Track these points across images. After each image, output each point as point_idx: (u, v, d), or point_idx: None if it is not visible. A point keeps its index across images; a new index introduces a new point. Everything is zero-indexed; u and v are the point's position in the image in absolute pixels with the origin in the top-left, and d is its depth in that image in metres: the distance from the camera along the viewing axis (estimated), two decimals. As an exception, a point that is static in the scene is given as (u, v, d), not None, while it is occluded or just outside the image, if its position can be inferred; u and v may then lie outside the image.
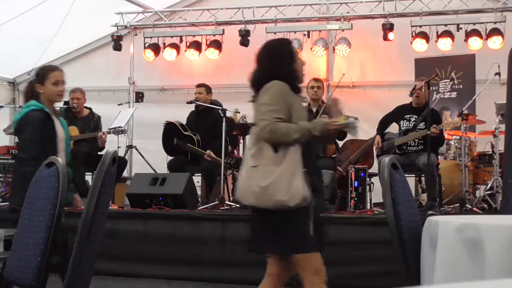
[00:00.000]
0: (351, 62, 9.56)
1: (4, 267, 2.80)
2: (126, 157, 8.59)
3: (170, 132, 7.47)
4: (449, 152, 7.63)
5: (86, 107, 7.61)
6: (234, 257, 6.04)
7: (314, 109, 7.01)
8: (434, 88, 8.56)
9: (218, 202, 6.83)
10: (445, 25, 8.70)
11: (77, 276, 2.64)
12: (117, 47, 9.75)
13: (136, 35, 10.09)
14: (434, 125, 6.43)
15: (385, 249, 5.24)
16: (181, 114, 7.84)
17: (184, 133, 7.42)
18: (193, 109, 7.66)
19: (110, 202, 5.15)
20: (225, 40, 9.53)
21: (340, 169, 6.92)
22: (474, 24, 8.61)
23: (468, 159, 6.87)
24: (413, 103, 6.91)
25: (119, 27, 9.92)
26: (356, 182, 6.50)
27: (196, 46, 9.61)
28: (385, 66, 9.52)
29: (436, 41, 8.68)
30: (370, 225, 5.71)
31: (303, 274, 3.34)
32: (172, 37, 9.79)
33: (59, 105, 7.98)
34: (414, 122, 6.81)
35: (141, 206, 6.74)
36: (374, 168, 6.62)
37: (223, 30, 9.50)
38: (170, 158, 7.58)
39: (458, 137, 7.24)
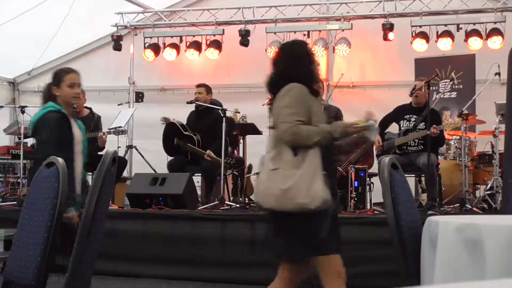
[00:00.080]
0: (351, 62, 9.56)
1: (4, 267, 2.80)
2: (126, 157, 8.59)
3: (171, 132, 7.47)
4: (449, 152, 7.63)
5: (86, 107, 7.60)
6: (234, 257, 6.04)
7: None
8: (434, 88, 8.56)
9: (218, 202, 6.83)
10: (445, 25, 8.70)
11: (77, 276, 2.64)
12: (117, 47, 9.75)
13: (136, 35, 10.09)
14: (434, 125, 6.42)
15: (385, 249, 5.24)
16: (181, 114, 7.84)
17: (185, 133, 7.42)
18: (193, 109, 7.66)
19: (110, 202, 5.15)
20: (225, 40, 9.53)
21: (340, 169, 6.92)
22: (474, 24, 8.61)
23: (468, 159, 6.87)
24: (413, 103, 6.91)
25: (119, 27, 9.92)
26: (356, 182, 6.50)
27: (196, 46, 9.61)
28: (385, 66, 9.52)
29: (436, 41, 8.68)
30: (370, 225, 5.72)
31: (324, 276, 3.31)
32: (172, 37, 9.79)
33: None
34: (414, 122, 6.81)
35: (141, 206, 6.75)
36: (374, 168, 6.61)
37: (223, 30, 9.50)
38: (170, 158, 7.58)
39: (458, 137, 7.24)
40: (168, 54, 9.73)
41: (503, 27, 8.46)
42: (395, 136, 6.93)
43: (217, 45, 9.53)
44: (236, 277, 5.95)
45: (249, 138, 8.46)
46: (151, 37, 9.78)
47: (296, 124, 3.24)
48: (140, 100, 9.76)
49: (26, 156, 8.00)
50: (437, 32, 8.70)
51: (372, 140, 4.14)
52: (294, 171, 3.21)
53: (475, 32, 8.54)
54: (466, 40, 8.57)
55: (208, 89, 7.60)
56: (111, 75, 10.32)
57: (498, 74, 7.14)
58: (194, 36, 9.71)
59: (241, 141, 8.33)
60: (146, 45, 9.71)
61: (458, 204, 6.69)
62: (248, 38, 9.31)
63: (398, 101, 7.25)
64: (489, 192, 6.82)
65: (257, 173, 8.40)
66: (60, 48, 10.13)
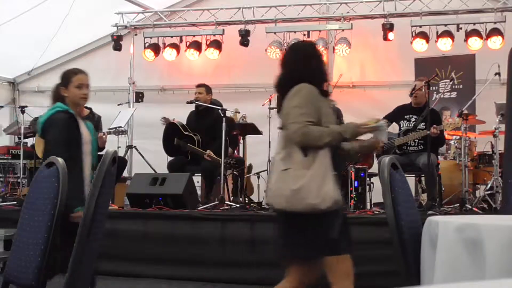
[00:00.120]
0: (351, 62, 9.56)
1: (4, 267, 2.80)
2: (126, 157, 8.59)
3: (171, 132, 7.47)
4: (449, 152, 7.63)
5: (86, 107, 7.57)
6: (234, 257, 6.04)
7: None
8: (434, 88, 8.56)
9: (218, 202, 6.83)
10: (445, 25, 8.70)
11: (77, 276, 2.64)
12: (117, 47, 9.75)
13: (136, 35, 10.09)
14: (435, 126, 6.42)
15: (385, 249, 5.24)
16: (181, 114, 7.84)
17: (185, 133, 7.42)
18: (193, 109, 7.66)
19: (110, 202, 5.14)
20: (225, 40, 9.53)
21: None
22: (474, 24, 8.61)
23: (468, 159, 6.87)
24: (413, 103, 6.91)
25: (119, 27, 9.92)
26: (356, 182, 6.50)
27: (196, 46, 9.61)
28: (385, 66, 9.52)
29: (436, 41, 8.68)
30: (370, 225, 5.71)
31: (332, 277, 3.29)
32: (172, 37, 9.79)
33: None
34: (414, 123, 6.81)
35: (141, 206, 6.75)
36: (374, 168, 6.62)
37: (223, 30, 9.50)
38: (170, 158, 7.58)
39: (458, 137, 7.24)
40: (168, 54, 9.72)
41: (503, 27, 8.46)
42: (395, 136, 6.93)
43: (217, 45, 9.53)
44: (236, 277, 5.94)
45: (249, 138, 8.47)
46: (151, 37, 9.78)
47: (307, 125, 3.23)
48: (140, 100, 9.76)
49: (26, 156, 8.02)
50: (437, 32, 8.70)
51: (383, 141, 4.14)
52: (304, 172, 3.20)
53: (475, 32, 8.54)
54: (466, 40, 8.57)
55: (208, 89, 7.60)
56: (111, 75, 10.31)
57: (498, 74, 7.14)
58: (194, 36, 9.71)
59: (241, 141, 8.33)
60: (146, 45, 9.71)
61: (458, 204, 6.69)
62: (248, 38, 9.31)
63: (398, 101, 7.26)
64: (489, 192, 6.82)
65: (257, 173, 8.46)
66: (60, 48, 10.13)
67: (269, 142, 7.67)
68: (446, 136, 7.16)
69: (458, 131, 6.96)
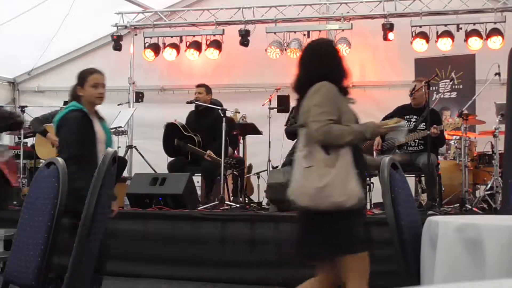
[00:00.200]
0: (351, 62, 9.48)
1: (4, 267, 2.81)
2: (126, 157, 8.59)
3: (171, 133, 7.47)
4: (449, 152, 7.63)
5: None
6: (234, 257, 6.04)
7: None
8: (434, 88, 8.56)
9: (218, 202, 6.83)
10: (445, 25, 8.70)
11: (77, 276, 2.64)
12: (117, 47, 9.76)
13: (136, 35, 10.09)
14: (435, 126, 6.42)
15: (385, 249, 5.23)
16: (181, 114, 7.84)
17: (185, 133, 7.41)
18: (193, 109, 7.66)
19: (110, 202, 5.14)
20: (225, 40, 9.53)
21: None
22: (474, 24, 8.61)
23: (468, 159, 6.87)
24: (412, 104, 6.91)
25: (119, 27, 9.92)
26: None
27: (196, 46, 9.61)
28: (385, 66, 9.51)
29: (436, 41, 8.68)
30: (370, 225, 5.71)
31: (349, 275, 3.29)
32: (172, 37, 9.79)
33: (59, 105, 8.03)
34: (414, 123, 6.81)
35: (141, 206, 6.75)
36: (374, 168, 6.61)
37: (223, 30, 9.50)
38: (170, 158, 7.58)
39: (458, 137, 7.24)
40: (168, 54, 9.72)
41: (503, 27, 8.46)
42: (395, 137, 6.93)
43: (217, 45, 9.53)
44: (236, 277, 5.95)
45: (249, 138, 8.47)
46: (151, 37, 9.78)
47: (328, 123, 3.23)
48: (140, 100, 9.75)
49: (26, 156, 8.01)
50: (437, 32, 8.70)
51: (401, 141, 4.15)
52: (328, 170, 3.19)
53: (475, 32, 8.54)
54: (466, 40, 8.57)
55: (208, 89, 7.60)
56: (111, 75, 10.25)
57: (498, 74, 7.14)
58: (194, 36, 9.71)
59: (241, 141, 8.33)
60: (146, 45, 9.71)
61: (458, 204, 6.69)
62: (248, 38, 9.30)
63: (398, 101, 7.25)
64: (489, 192, 6.82)
65: (257, 173, 8.45)
66: (60, 48, 10.13)
67: (269, 142, 7.67)
68: (446, 136, 7.15)
69: (458, 131, 6.96)
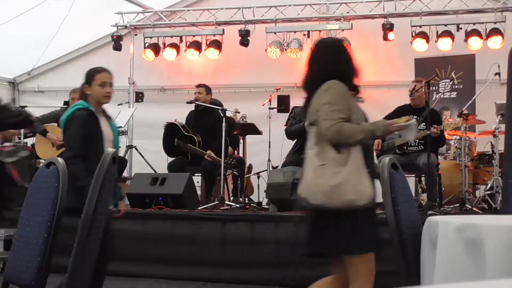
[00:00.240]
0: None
1: (4, 267, 2.81)
2: (126, 157, 8.59)
3: (171, 133, 7.46)
4: (449, 152, 7.63)
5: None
6: (234, 257, 6.04)
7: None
8: (434, 88, 8.56)
9: (218, 202, 6.83)
10: (445, 25, 8.71)
11: (77, 276, 2.64)
12: (117, 47, 9.76)
13: (136, 35, 10.09)
14: (435, 125, 6.43)
15: (385, 249, 5.23)
16: (181, 114, 7.84)
17: (185, 133, 7.41)
18: (193, 109, 7.66)
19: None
20: (225, 40, 9.53)
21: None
22: (474, 24, 8.61)
23: (468, 159, 6.87)
24: (412, 104, 6.91)
25: (119, 27, 9.92)
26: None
27: (196, 46, 9.61)
28: (385, 66, 9.51)
29: (436, 41, 8.68)
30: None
31: (353, 275, 3.27)
32: (172, 37, 9.79)
33: (59, 105, 8.03)
34: (414, 123, 6.80)
35: (141, 206, 6.74)
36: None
37: (223, 30, 9.50)
38: (170, 158, 7.57)
39: (458, 137, 7.24)
40: (168, 54, 9.73)
41: (503, 27, 8.47)
42: (395, 136, 6.92)
43: (217, 45, 9.53)
44: (236, 277, 5.95)
45: (249, 138, 8.47)
46: (151, 37, 9.79)
47: (339, 122, 3.23)
48: (140, 100, 9.76)
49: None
50: (437, 32, 8.70)
51: (410, 140, 4.16)
52: (341, 168, 3.19)
53: (475, 32, 8.54)
54: (466, 40, 8.57)
55: (208, 89, 7.60)
56: (111, 75, 10.30)
57: (498, 74, 7.14)
58: (194, 36, 9.71)
59: (241, 141, 8.33)
60: (146, 45, 9.71)
61: (458, 204, 6.69)
62: (248, 38, 9.31)
63: (398, 101, 7.25)
64: (489, 192, 6.82)
65: (257, 173, 8.45)
66: (60, 48, 10.13)
67: (269, 142, 7.67)
68: (446, 136, 7.15)
69: (458, 131, 6.96)
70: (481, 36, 8.53)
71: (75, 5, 8.79)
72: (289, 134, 7.16)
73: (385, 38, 8.82)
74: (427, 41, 8.70)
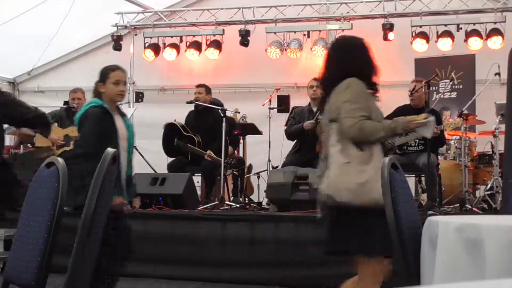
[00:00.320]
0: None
1: (4, 267, 2.81)
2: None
3: (170, 133, 7.46)
4: (449, 152, 7.63)
5: (86, 107, 7.61)
6: (234, 257, 6.04)
7: (315, 109, 7.02)
8: (434, 88, 8.56)
9: (218, 202, 6.83)
10: (445, 25, 8.71)
11: (77, 276, 2.64)
12: (117, 47, 9.76)
13: (136, 35, 10.09)
14: (435, 126, 6.42)
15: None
16: (181, 114, 7.84)
17: (185, 134, 7.41)
18: (192, 109, 7.66)
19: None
20: (225, 40, 9.53)
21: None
22: (474, 24, 8.61)
23: (468, 159, 6.87)
24: (412, 104, 6.91)
25: (119, 27, 9.92)
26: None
27: (196, 46, 9.61)
28: (385, 66, 9.40)
29: (436, 41, 8.68)
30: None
31: (364, 274, 3.27)
32: (172, 37, 9.80)
33: (59, 105, 8.02)
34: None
35: (141, 206, 6.73)
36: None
37: (223, 30, 9.51)
38: (170, 158, 7.57)
39: (458, 137, 7.24)
40: (168, 54, 9.73)
41: (503, 27, 8.47)
42: (395, 136, 6.92)
43: (217, 45, 9.53)
44: (236, 277, 5.95)
45: (249, 138, 8.47)
46: (151, 37, 9.79)
47: (362, 120, 3.23)
48: (140, 100, 9.76)
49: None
50: (437, 32, 8.70)
51: (427, 137, 4.18)
52: (365, 167, 3.19)
53: (475, 32, 8.54)
54: (466, 40, 8.58)
55: (208, 89, 7.60)
56: (111, 75, 10.29)
57: (498, 74, 7.14)
58: (194, 36, 9.72)
59: (241, 141, 8.33)
60: (146, 45, 9.72)
61: (458, 204, 6.69)
62: (248, 38, 9.31)
63: (398, 101, 7.25)
64: (489, 192, 6.82)
65: (257, 173, 8.45)
66: (60, 48, 10.13)
67: (269, 142, 7.67)
68: (446, 136, 7.15)
69: (458, 131, 6.96)
70: (481, 36, 8.53)
71: (75, 5, 8.79)
72: (289, 135, 7.17)
73: (385, 38, 8.82)
74: (427, 41, 8.71)
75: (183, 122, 7.62)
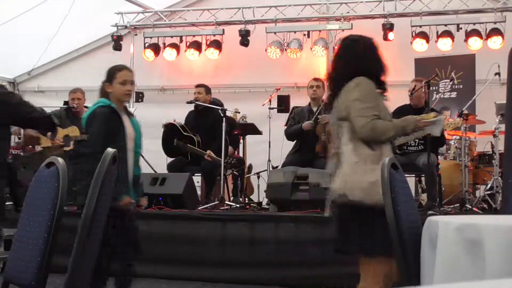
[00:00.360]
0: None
1: (4, 267, 2.81)
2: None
3: (170, 133, 7.46)
4: (449, 152, 7.62)
5: (86, 107, 7.62)
6: (234, 257, 6.04)
7: (315, 109, 7.02)
8: (434, 88, 8.56)
9: (218, 202, 6.83)
10: (445, 25, 8.71)
11: (77, 276, 2.63)
12: (117, 47, 9.76)
13: (136, 35, 10.09)
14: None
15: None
16: (181, 114, 7.84)
17: (184, 134, 7.41)
18: (192, 109, 7.66)
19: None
20: (225, 40, 9.54)
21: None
22: (474, 24, 8.61)
23: (468, 159, 6.87)
24: (411, 104, 6.91)
25: (119, 27, 9.93)
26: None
27: (196, 46, 9.61)
28: (385, 66, 9.50)
29: (436, 41, 8.68)
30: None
31: (370, 276, 3.26)
32: (172, 37, 9.80)
33: (59, 105, 8.03)
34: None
35: (141, 206, 6.73)
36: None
37: (223, 30, 9.51)
38: (170, 158, 7.57)
39: (458, 137, 7.24)
40: (168, 54, 9.73)
41: (503, 27, 8.47)
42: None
43: (217, 45, 9.54)
44: (236, 277, 5.94)
45: (249, 138, 8.47)
46: (151, 37, 9.79)
47: (374, 119, 3.23)
48: (140, 100, 9.76)
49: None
50: (437, 32, 8.71)
51: (437, 135, 4.20)
52: (376, 166, 3.15)
53: (475, 32, 8.54)
54: (466, 40, 8.58)
55: (207, 89, 7.60)
56: (111, 75, 10.30)
57: (498, 74, 7.13)
58: (194, 36, 9.72)
59: (241, 141, 8.33)
60: (146, 45, 9.72)
61: (458, 204, 6.69)
62: (248, 38, 9.31)
63: (398, 101, 7.24)
64: (489, 192, 6.82)
65: (257, 173, 8.45)
66: (60, 48, 10.14)
67: (269, 142, 7.67)
68: (446, 136, 7.15)
69: (458, 131, 6.96)
70: (481, 36, 8.53)
71: (75, 5, 8.79)
72: (288, 136, 7.17)
73: (385, 38, 8.82)
74: (427, 41, 8.71)
75: (183, 122, 7.62)
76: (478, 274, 2.23)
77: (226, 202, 6.99)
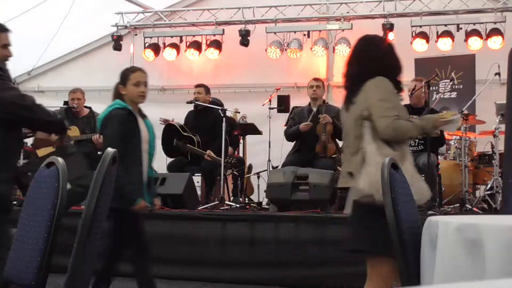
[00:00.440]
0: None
1: (4, 267, 2.80)
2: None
3: (169, 133, 7.46)
4: (449, 152, 7.62)
5: (85, 106, 7.62)
6: (234, 257, 6.04)
7: (315, 109, 7.02)
8: (434, 88, 8.56)
9: (218, 202, 6.83)
10: (445, 25, 8.71)
11: (77, 276, 2.63)
12: (117, 47, 9.76)
13: (136, 35, 10.09)
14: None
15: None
16: (181, 114, 7.84)
17: (184, 134, 7.41)
18: (192, 109, 7.66)
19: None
20: (225, 40, 9.54)
21: (340, 169, 6.91)
22: (474, 24, 8.62)
23: (468, 159, 6.87)
24: (411, 104, 6.91)
25: (119, 27, 9.93)
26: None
27: (196, 46, 9.61)
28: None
29: (436, 41, 8.68)
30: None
31: (374, 274, 3.25)
32: (172, 37, 9.80)
33: (59, 105, 8.02)
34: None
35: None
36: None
37: (223, 30, 9.51)
38: (170, 159, 7.57)
39: (458, 137, 7.24)
40: (168, 54, 9.73)
41: (503, 27, 8.47)
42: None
43: (217, 45, 9.54)
44: (236, 277, 5.95)
45: (249, 138, 8.47)
46: (151, 37, 9.79)
47: (396, 119, 3.23)
48: (140, 100, 9.74)
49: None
50: (437, 32, 8.71)
51: (452, 132, 4.24)
52: (401, 167, 3.17)
53: (475, 32, 8.54)
54: (466, 40, 8.58)
55: (207, 90, 7.60)
56: (111, 75, 10.26)
57: (498, 74, 7.13)
58: (194, 36, 9.72)
59: (241, 141, 8.33)
60: (146, 45, 9.72)
61: (458, 204, 6.69)
62: (248, 38, 9.31)
63: (398, 101, 7.24)
64: (489, 192, 6.82)
65: (257, 173, 8.45)
66: (60, 48, 10.14)
67: (269, 142, 7.67)
68: (446, 136, 7.15)
69: (458, 131, 6.96)
70: (481, 36, 8.53)
71: (75, 5, 8.79)
72: (287, 136, 7.18)
73: (385, 38, 8.81)
74: (427, 41, 8.71)
75: (182, 122, 7.62)
76: (478, 274, 2.23)
77: (226, 202, 6.99)
